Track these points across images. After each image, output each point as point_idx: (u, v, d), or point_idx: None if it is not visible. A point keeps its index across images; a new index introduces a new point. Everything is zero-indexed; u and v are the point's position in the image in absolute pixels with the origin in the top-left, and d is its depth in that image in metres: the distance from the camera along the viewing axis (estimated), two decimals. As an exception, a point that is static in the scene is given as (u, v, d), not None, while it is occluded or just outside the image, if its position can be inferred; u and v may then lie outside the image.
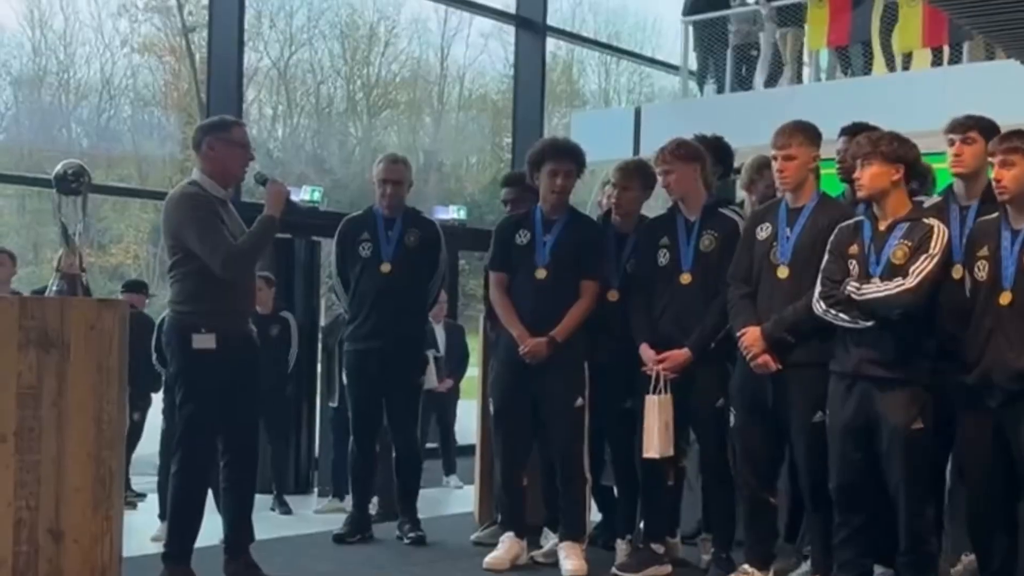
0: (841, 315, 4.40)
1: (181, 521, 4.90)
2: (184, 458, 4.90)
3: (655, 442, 4.99)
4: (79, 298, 4.24)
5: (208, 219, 4.81)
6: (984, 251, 4.31)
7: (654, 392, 5.00)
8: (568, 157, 5.41)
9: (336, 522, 6.27)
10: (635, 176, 5.45)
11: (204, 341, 4.80)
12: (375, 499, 7.09)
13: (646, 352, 5.09)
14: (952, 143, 4.63)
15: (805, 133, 4.80)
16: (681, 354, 5.01)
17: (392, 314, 5.83)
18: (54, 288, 4.31)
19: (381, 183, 5.97)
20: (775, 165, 4.82)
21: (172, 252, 4.90)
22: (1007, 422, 4.20)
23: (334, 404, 8.76)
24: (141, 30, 22.02)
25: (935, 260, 4.30)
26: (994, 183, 4.29)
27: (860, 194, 4.50)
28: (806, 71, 13.70)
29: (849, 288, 4.35)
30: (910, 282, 4.28)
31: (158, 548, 5.14)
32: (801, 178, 4.76)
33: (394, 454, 6.08)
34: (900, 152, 4.44)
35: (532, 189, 5.82)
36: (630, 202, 5.46)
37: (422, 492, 6.13)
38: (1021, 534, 4.31)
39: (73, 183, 4.34)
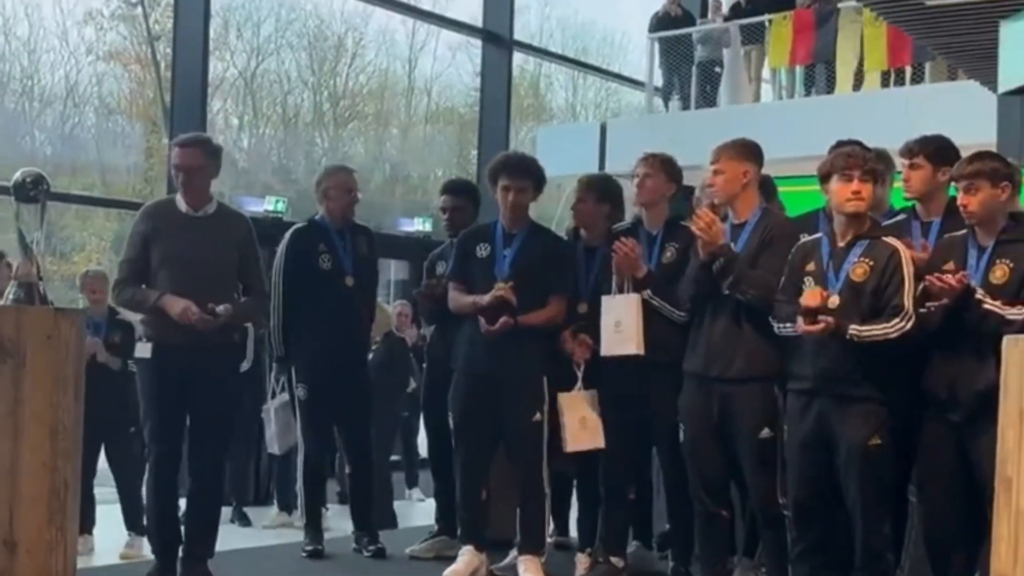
0: (790, 329, 4.42)
1: (159, 534, 5.07)
2: (148, 470, 5.06)
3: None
4: (36, 307, 4.17)
5: (132, 236, 4.99)
6: (949, 266, 4.31)
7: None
8: (521, 173, 5.38)
9: (287, 536, 6.22)
10: (591, 189, 5.48)
11: (142, 350, 4.94)
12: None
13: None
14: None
15: (735, 148, 4.85)
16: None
17: (349, 325, 5.86)
18: (11, 296, 4.27)
19: (346, 192, 5.91)
20: (707, 179, 4.88)
21: None
22: (968, 438, 4.20)
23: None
24: (107, 38, 21.84)
25: (914, 288, 4.29)
26: (960, 208, 4.30)
27: (855, 208, 4.41)
28: (767, 88, 13.82)
29: (851, 331, 4.29)
30: (905, 323, 4.26)
31: (118, 561, 5.15)
32: (731, 192, 4.82)
33: (348, 470, 6.07)
34: (878, 170, 4.52)
35: (474, 199, 5.94)
36: (585, 214, 5.48)
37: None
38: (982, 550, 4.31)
39: (31, 191, 4.29)
